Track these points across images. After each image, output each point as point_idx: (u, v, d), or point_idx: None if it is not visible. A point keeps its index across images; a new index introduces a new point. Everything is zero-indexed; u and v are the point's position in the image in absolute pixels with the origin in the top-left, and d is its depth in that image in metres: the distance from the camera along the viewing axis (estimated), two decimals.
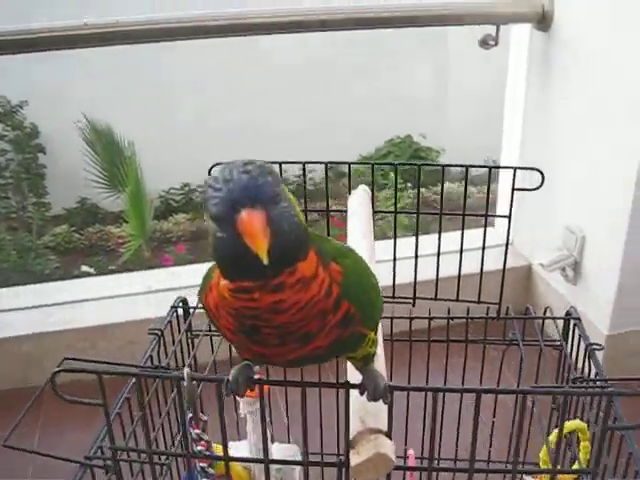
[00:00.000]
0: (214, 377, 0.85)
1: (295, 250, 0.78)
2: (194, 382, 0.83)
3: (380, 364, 0.95)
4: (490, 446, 1.61)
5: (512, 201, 1.40)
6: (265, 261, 0.72)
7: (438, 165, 1.43)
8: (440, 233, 1.50)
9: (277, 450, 1.53)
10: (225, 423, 0.86)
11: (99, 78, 4.78)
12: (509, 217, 1.44)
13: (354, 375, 0.93)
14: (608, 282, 2.72)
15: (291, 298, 0.77)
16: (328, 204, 1.55)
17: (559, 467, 0.87)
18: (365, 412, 0.86)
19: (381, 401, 0.85)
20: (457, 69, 5.53)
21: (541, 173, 1.34)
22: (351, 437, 0.85)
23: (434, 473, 0.85)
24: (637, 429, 0.79)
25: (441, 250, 1.58)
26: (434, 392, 0.78)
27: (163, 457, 1.15)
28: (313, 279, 0.79)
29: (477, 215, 1.44)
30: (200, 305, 1.32)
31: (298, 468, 1.44)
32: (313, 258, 0.80)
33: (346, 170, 1.49)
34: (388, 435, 0.84)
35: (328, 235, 1.55)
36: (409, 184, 5.30)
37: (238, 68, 5.06)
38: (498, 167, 1.43)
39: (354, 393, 0.87)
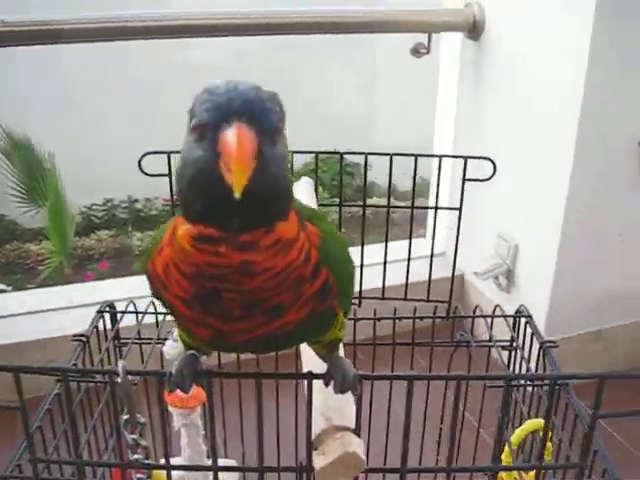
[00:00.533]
0: (154, 370, 0.74)
1: (275, 205, 0.67)
2: (129, 377, 0.72)
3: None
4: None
5: (463, 192, 1.35)
6: (237, 194, 0.59)
7: (386, 154, 1.37)
8: (387, 228, 1.44)
9: None
10: (166, 424, 0.76)
11: (14, 83, 4.56)
12: (460, 209, 1.38)
13: (313, 367, 0.82)
14: (541, 290, 2.73)
15: (266, 262, 0.66)
16: None
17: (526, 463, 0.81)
18: (327, 408, 0.76)
19: (349, 393, 0.76)
20: (387, 81, 5.54)
21: (493, 162, 1.29)
22: (313, 437, 0.75)
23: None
24: (632, 416, 0.72)
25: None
26: (409, 380, 0.70)
27: (92, 473, 1.03)
28: (294, 242, 0.68)
29: (427, 208, 1.39)
30: (130, 308, 1.21)
31: None
32: (294, 219, 0.69)
33: None
34: (356, 433, 0.75)
35: None
36: (336, 199, 5.26)
37: (163, 73, 4.92)
38: (449, 156, 1.37)
39: (315, 386, 0.77)
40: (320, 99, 5.58)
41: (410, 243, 1.45)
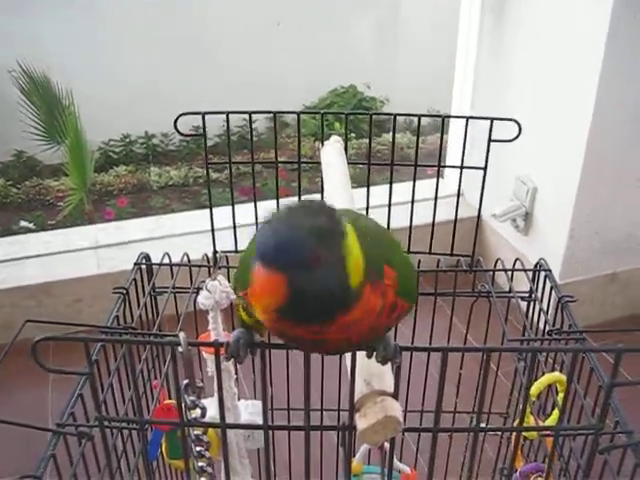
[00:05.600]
0: (213, 342, 0.80)
1: (324, 310, 0.72)
2: (190, 348, 0.78)
3: None
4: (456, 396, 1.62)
5: (488, 153, 1.38)
6: (260, 317, 0.73)
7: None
8: (415, 183, 1.46)
9: (244, 407, 1.49)
10: (222, 389, 0.82)
11: (31, 19, 4.54)
12: (485, 169, 1.41)
13: None
14: (558, 232, 2.77)
15: (338, 336, 0.75)
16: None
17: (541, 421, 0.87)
18: (369, 374, 0.83)
19: (389, 363, 0.82)
20: (404, 18, 5.46)
21: (518, 124, 1.32)
22: (356, 400, 0.82)
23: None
24: None
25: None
26: (443, 352, 0.76)
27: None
28: (366, 314, 0.75)
29: (452, 167, 1.41)
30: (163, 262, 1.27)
31: None
32: (367, 297, 0.74)
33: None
34: (394, 397, 0.81)
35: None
36: (353, 134, 5.26)
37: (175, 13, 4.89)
38: (475, 117, 1.37)
39: (359, 355, 0.83)
40: (341, 35, 5.53)
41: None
